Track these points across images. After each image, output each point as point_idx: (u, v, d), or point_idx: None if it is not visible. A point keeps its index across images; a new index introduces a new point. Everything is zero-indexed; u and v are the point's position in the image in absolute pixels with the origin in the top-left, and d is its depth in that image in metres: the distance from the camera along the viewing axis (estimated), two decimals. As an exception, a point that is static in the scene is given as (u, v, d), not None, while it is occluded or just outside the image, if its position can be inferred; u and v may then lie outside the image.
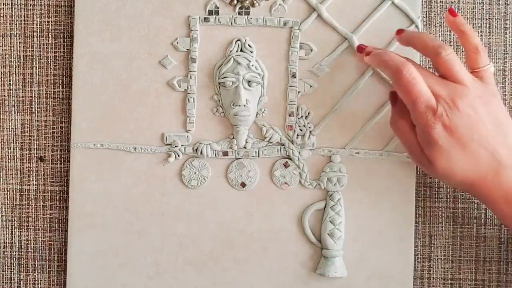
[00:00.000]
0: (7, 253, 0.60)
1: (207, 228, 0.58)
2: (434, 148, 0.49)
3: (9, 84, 0.60)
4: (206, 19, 0.58)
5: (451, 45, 0.59)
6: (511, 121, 0.51)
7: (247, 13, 0.58)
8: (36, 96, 0.60)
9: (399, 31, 0.54)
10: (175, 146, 0.58)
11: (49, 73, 0.60)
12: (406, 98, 0.50)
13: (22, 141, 0.60)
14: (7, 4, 0.60)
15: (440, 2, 0.59)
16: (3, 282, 0.60)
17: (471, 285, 0.58)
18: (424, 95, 0.49)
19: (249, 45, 0.57)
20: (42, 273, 0.60)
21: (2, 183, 0.60)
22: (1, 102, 0.60)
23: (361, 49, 0.55)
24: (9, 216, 0.60)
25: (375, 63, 0.53)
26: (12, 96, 0.60)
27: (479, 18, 0.59)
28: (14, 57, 0.60)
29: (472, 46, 0.52)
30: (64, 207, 0.60)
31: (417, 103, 0.49)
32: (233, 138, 0.58)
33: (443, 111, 0.49)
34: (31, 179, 0.60)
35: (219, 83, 0.57)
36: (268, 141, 0.58)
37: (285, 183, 0.58)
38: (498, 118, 0.50)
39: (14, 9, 0.60)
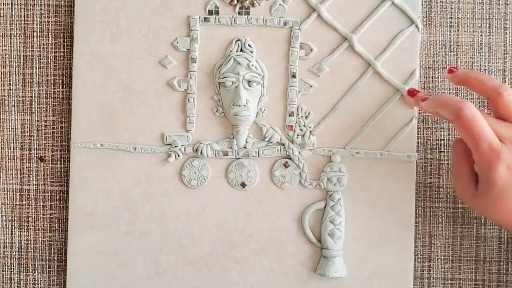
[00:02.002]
0: (7, 253, 0.60)
1: (207, 228, 0.58)
2: (491, 187, 0.49)
3: (9, 84, 0.60)
4: (206, 19, 0.58)
5: (451, 45, 0.59)
6: None
7: (247, 13, 0.58)
8: (36, 96, 0.60)
9: (451, 70, 0.53)
10: (175, 146, 0.58)
11: (49, 73, 0.60)
12: (467, 137, 0.49)
13: (22, 141, 0.60)
14: (7, 4, 0.60)
15: (440, 2, 0.59)
16: (3, 282, 0.60)
17: (471, 285, 0.58)
18: (486, 133, 0.48)
19: (249, 45, 0.57)
20: (42, 273, 0.60)
21: (2, 183, 0.60)
22: (1, 102, 0.60)
23: (412, 93, 0.55)
24: (9, 216, 0.60)
25: (433, 106, 0.52)
26: (12, 96, 0.60)
27: (478, 18, 0.59)
28: (14, 57, 0.60)
29: (491, 87, 0.51)
30: (64, 207, 0.60)
31: (480, 141, 0.48)
32: (233, 138, 0.58)
33: (507, 152, 0.48)
34: (31, 179, 0.60)
35: (219, 83, 0.57)
36: (268, 141, 0.58)
37: (285, 183, 0.58)
38: None
39: (14, 9, 0.60)
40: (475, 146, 0.49)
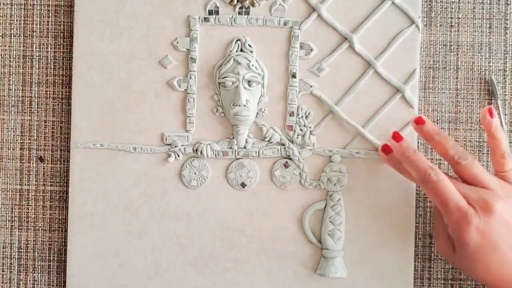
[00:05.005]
0: (7, 253, 0.60)
1: (207, 228, 0.58)
2: (464, 248, 0.50)
3: (9, 84, 0.60)
4: (206, 19, 0.58)
5: (451, 45, 0.59)
6: None
7: (247, 13, 0.58)
8: (36, 96, 0.60)
9: (420, 121, 0.54)
10: (175, 146, 0.58)
11: (49, 73, 0.60)
12: (436, 201, 0.51)
13: (22, 141, 0.60)
14: (7, 4, 0.60)
15: (440, 2, 0.59)
16: (3, 282, 0.60)
17: (471, 285, 0.58)
18: (453, 196, 0.50)
19: (249, 45, 0.57)
20: (42, 273, 0.60)
21: (2, 183, 0.60)
22: (1, 102, 0.60)
23: (388, 150, 0.55)
24: (9, 216, 0.60)
25: (401, 156, 0.53)
26: (12, 96, 0.60)
27: (479, 18, 0.59)
28: (14, 57, 0.60)
29: (501, 152, 0.52)
30: (64, 207, 0.60)
31: (448, 205, 0.50)
32: (233, 138, 0.58)
33: (475, 214, 0.49)
34: (31, 179, 0.60)
35: (219, 83, 0.57)
36: (268, 141, 0.58)
37: (285, 183, 0.57)
38: None
39: (14, 9, 0.60)
40: (444, 209, 0.50)
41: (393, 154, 0.54)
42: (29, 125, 0.60)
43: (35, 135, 0.60)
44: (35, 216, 0.60)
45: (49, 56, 0.60)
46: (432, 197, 0.51)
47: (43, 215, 0.60)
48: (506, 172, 0.53)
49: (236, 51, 0.57)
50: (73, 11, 0.59)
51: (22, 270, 0.60)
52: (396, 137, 0.54)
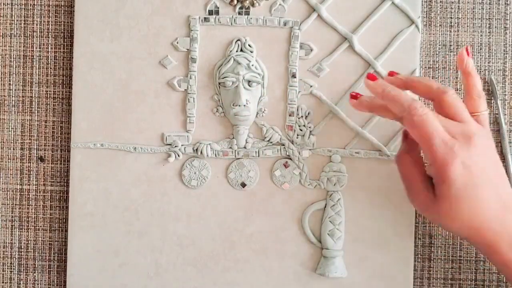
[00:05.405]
0: (7, 253, 0.60)
1: (207, 228, 0.58)
2: (449, 188, 0.48)
3: (9, 84, 0.60)
4: (206, 19, 0.58)
5: (451, 45, 0.59)
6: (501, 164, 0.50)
7: (247, 13, 0.58)
8: (36, 96, 0.60)
9: (391, 73, 0.54)
10: (175, 146, 0.58)
11: (49, 73, 0.60)
12: (421, 135, 0.48)
13: (22, 141, 0.60)
14: (7, 4, 0.60)
15: (440, 2, 0.59)
16: (3, 282, 0.60)
17: (471, 285, 0.58)
18: (439, 130, 0.48)
19: (249, 45, 0.57)
20: (42, 273, 0.60)
21: (2, 183, 0.60)
22: (1, 102, 0.60)
23: (355, 96, 0.54)
24: (9, 216, 0.60)
25: (379, 94, 0.51)
26: (12, 96, 0.60)
27: (479, 18, 0.59)
28: (14, 57, 0.60)
29: (477, 91, 0.52)
30: (64, 207, 0.60)
31: (433, 138, 0.48)
32: (233, 138, 0.58)
33: (460, 146, 0.48)
34: (31, 179, 0.60)
35: (219, 83, 0.57)
36: (268, 141, 0.58)
37: (285, 183, 0.58)
38: (497, 160, 0.50)
39: (14, 9, 0.60)
40: (429, 144, 0.48)
41: (362, 98, 0.53)
42: (29, 125, 0.60)
43: (36, 135, 0.60)
44: (35, 216, 0.60)
45: (49, 56, 0.60)
46: (416, 132, 0.49)
47: (44, 215, 0.60)
48: (479, 113, 0.51)
49: (236, 51, 0.57)
50: (73, 11, 0.59)
51: (22, 270, 0.60)
52: (371, 76, 0.52)
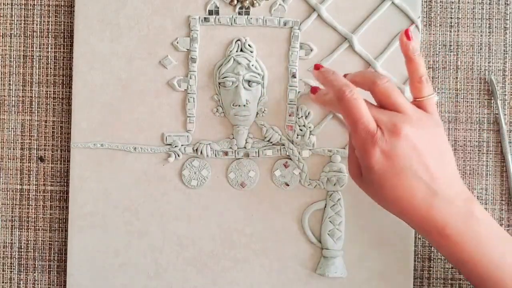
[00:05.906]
0: (7, 253, 0.60)
1: (207, 228, 0.58)
2: (370, 172, 0.49)
3: (9, 84, 0.60)
4: (206, 19, 0.58)
5: (451, 45, 0.59)
6: (452, 152, 0.50)
7: (247, 13, 0.58)
8: (36, 96, 0.60)
9: (318, 66, 0.54)
10: (175, 146, 0.58)
11: (49, 73, 0.60)
12: (347, 119, 0.49)
13: (22, 141, 0.60)
14: (7, 4, 0.60)
15: (440, 2, 0.59)
16: (3, 282, 0.60)
17: (471, 285, 0.58)
18: (364, 117, 0.48)
19: (249, 45, 0.57)
20: (42, 273, 0.60)
21: (2, 183, 0.60)
22: (1, 102, 0.60)
23: (315, 90, 0.56)
24: (9, 216, 0.60)
25: (321, 80, 0.53)
26: (12, 96, 0.60)
27: (479, 18, 0.59)
28: (14, 57, 0.60)
29: (417, 76, 0.51)
30: (64, 207, 0.60)
31: (358, 123, 0.48)
32: (233, 138, 0.58)
33: (381, 136, 0.48)
34: (31, 179, 0.60)
35: (219, 83, 0.57)
36: (268, 141, 0.58)
37: (285, 183, 0.58)
38: (440, 148, 0.49)
39: (14, 9, 0.60)
40: (353, 128, 0.49)
41: (320, 91, 0.54)
42: (29, 125, 0.60)
43: (36, 135, 0.60)
44: (35, 216, 0.60)
45: (49, 56, 0.60)
46: (345, 115, 0.49)
47: (44, 215, 0.60)
48: (423, 98, 0.51)
49: (236, 51, 0.57)
50: (73, 11, 0.59)
51: (22, 270, 0.60)
52: (317, 66, 0.54)
